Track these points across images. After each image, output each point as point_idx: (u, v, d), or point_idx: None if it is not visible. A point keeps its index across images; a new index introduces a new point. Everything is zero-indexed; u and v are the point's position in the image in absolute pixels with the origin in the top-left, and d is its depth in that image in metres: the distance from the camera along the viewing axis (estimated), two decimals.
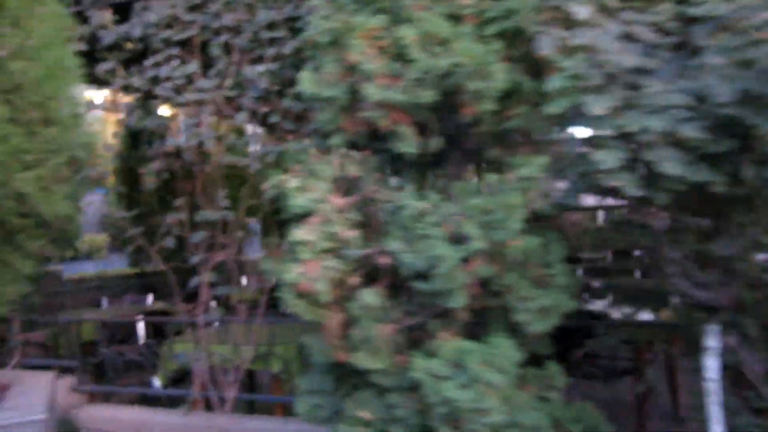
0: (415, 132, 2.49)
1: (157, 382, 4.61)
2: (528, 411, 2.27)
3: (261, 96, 3.92)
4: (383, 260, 2.49)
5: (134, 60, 4.48)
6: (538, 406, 2.37)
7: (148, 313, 5.66)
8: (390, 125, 2.44)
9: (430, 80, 2.36)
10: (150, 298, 7.36)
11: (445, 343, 2.33)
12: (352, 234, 2.42)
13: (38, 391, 3.29)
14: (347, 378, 2.71)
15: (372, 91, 2.35)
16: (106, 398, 5.02)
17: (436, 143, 2.54)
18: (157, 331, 5.71)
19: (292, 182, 2.46)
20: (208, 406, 4.38)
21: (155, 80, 4.25)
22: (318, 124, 2.63)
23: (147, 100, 4.35)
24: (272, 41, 4.01)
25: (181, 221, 4.42)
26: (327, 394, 2.74)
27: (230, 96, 4.05)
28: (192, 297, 7.73)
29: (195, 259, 4.31)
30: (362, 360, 2.41)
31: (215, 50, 4.10)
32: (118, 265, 10.91)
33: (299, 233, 2.40)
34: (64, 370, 4.89)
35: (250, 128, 4.96)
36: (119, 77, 4.30)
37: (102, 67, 4.25)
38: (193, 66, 4.12)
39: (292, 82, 4.02)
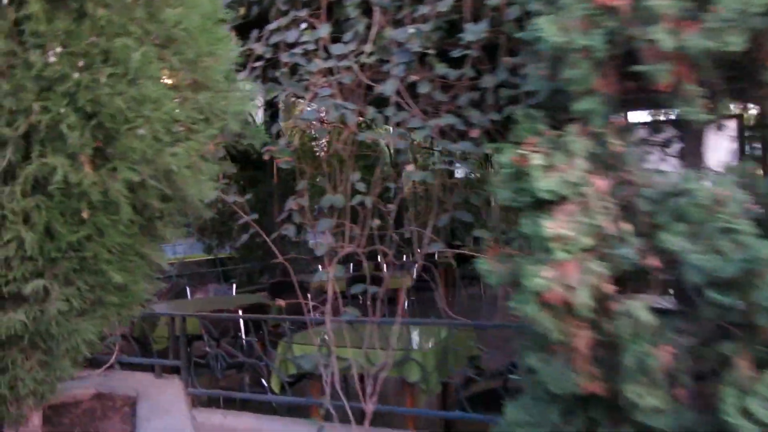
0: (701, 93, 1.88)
1: (273, 386, 4.13)
2: None
3: (408, 62, 3.35)
4: (652, 262, 1.90)
5: (249, 26, 3.98)
6: None
7: (246, 308, 5.20)
8: (673, 83, 1.83)
9: (740, 23, 1.75)
10: (234, 288, 6.96)
11: (763, 375, 1.73)
12: (625, 227, 1.83)
13: (173, 407, 2.82)
14: (581, 410, 2.14)
15: (662, 37, 1.75)
16: (209, 401, 4.58)
17: (723, 107, 1.92)
18: (252, 327, 5.24)
19: (534, 159, 1.87)
20: (328, 417, 3.88)
21: (279, 47, 3.73)
22: (560, 84, 2.04)
23: (267, 69, 3.84)
24: None
25: (302, 207, 3.91)
26: (550, 428, 2.18)
27: (369, 62, 3.49)
28: (277, 289, 7.29)
29: (320, 251, 3.78)
30: (635, 393, 1.83)
31: (351, 11, 3.55)
32: (181, 252, 10.61)
33: (551, 225, 1.82)
34: (164, 369, 4.47)
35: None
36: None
37: None
38: (326, 29, 3.57)
39: (445, 46, 3.44)
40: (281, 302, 3.83)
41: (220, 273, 8.17)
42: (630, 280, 1.97)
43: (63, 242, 2.09)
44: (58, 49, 1.88)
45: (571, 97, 2.01)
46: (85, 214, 2.10)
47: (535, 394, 2.24)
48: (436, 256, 9.34)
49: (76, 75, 1.95)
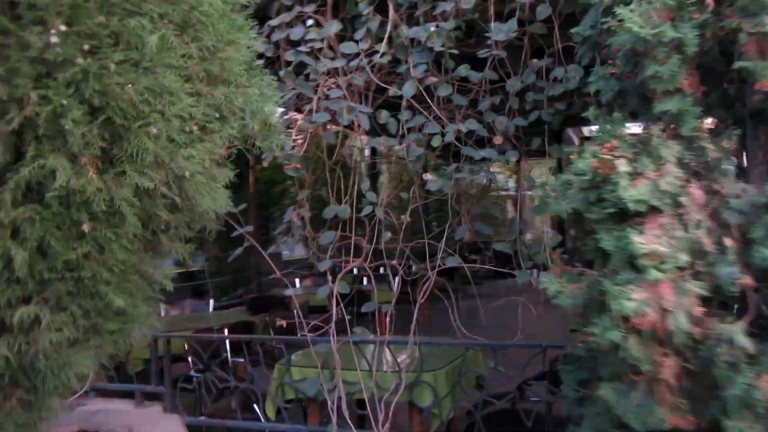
0: None
1: (268, 412, 3.79)
2: None
3: (428, 63, 3.11)
4: (747, 281, 1.69)
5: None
6: None
7: (232, 327, 4.83)
8: None
9: None
10: (211, 304, 6.56)
11: None
12: (728, 243, 1.62)
13: None
14: None
15: None
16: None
17: None
18: (238, 347, 4.87)
19: (620, 165, 1.65)
20: None
21: (280, 45, 3.44)
22: (629, 83, 1.82)
23: (267, 68, 3.54)
24: None
25: (303, 218, 3.61)
26: None
27: (382, 63, 3.23)
28: (258, 304, 6.90)
29: (324, 266, 3.49)
30: (737, 430, 1.61)
31: (363, 7, 3.29)
32: None
33: (642, 240, 1.60)
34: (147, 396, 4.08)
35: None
36: None
37: None
38: (335, 26, 3.30)
39: (464, 47, 3.22)
40: (282, 322, 3.51)
41: (196, 288, 7.75)
42: (713, 301, 1.76)
43: (59, 261, 1.75)
44: (63, 27, 1.56)
45: (650, 97, 1.80)
46: (86, 227, 1.77)
47: (598, 426, 2.00)
48: (413, 268, 9.12)
49: (80, 60, 1.63)
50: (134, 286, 2.16)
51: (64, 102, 1.60)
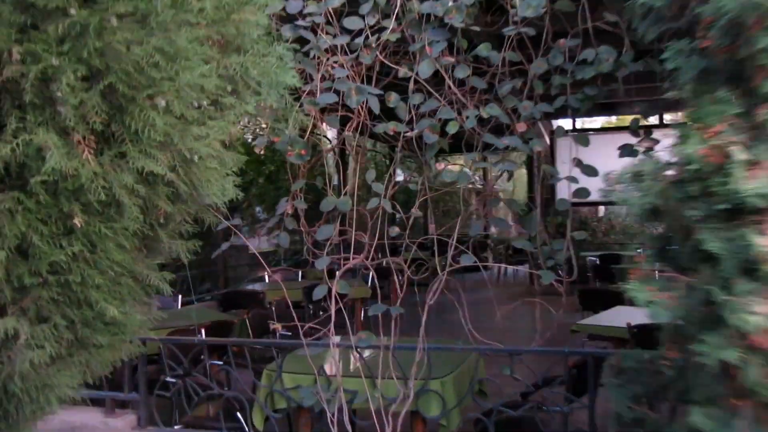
0: None
1: (256, 422, 3.46)
2: None
3: (444, 41, 2.82)
4: None
5: None
6: None
7: (209, 327, 4.45)
8: None
9: None
10: (180, 300, 6.14)
11: None
12: None
13: None
14: None
15: None
16: None
17: None
18: (216, 349, 4.50)
19: (736, 153, 1.40)
20: None
21: (280, 19, 3.09)
22: (746, 59, 1.58)
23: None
24: None
25: (296, 211, 3.28)
26: None
27: (391, 40, 2.93)
28: (229, 300, 6.51)
29: (322, 263, 3.17)
30: None
31: None
32: None
33: (765, 243, 1.36)
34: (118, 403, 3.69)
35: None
36: None
37: None
38: None
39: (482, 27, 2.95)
40: (278, 326, 3.18)
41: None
42: None
43: (43, 264, 1.41)
44: None
45: (746, 77, 1.56)
46: (77, 221, 1.43)
47: None
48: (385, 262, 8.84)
49: (74, 10, 1.28)
50: (127, 290, 1.82)
51: (55, 62, 1.25)
